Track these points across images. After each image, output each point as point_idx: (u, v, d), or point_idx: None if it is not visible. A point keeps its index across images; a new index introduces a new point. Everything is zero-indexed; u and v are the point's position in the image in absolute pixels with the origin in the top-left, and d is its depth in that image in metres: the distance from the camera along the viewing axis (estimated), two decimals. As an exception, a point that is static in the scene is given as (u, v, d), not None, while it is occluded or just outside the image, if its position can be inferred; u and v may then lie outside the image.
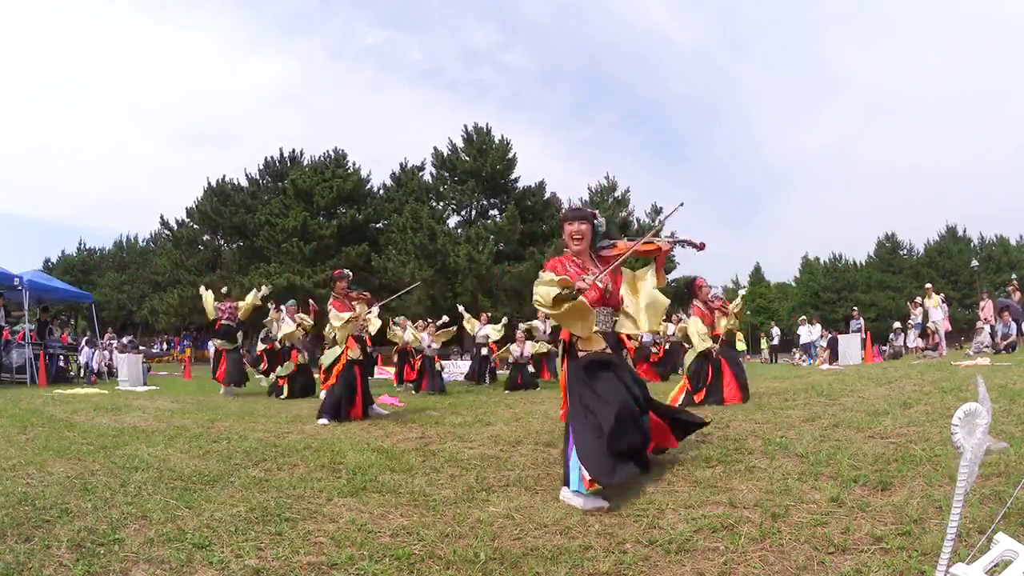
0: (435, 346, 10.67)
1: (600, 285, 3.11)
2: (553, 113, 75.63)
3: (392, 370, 12.80)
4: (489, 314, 13.62)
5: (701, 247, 3.61)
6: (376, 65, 76.63)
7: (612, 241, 3.37)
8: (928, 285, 16.08)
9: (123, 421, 5.83)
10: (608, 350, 3.14)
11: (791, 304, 42.02)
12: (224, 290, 11.17)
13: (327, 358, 6.52)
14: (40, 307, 14.05)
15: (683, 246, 3.65)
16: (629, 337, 3.37)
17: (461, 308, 12.66)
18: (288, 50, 75.87)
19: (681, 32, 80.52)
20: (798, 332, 21.85)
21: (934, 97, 68.70)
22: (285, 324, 9.78)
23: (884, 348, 19.98)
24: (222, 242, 34.17)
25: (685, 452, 3.70)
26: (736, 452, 3.58)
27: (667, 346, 12.71)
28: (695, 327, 6.67)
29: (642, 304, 3.30)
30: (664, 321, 12.62)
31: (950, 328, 14.92)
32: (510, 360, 11.25)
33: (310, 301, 10.30)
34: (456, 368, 15.65)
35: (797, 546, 2.10)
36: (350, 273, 6.79)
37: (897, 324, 19.82)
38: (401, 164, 33.05)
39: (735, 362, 6.70)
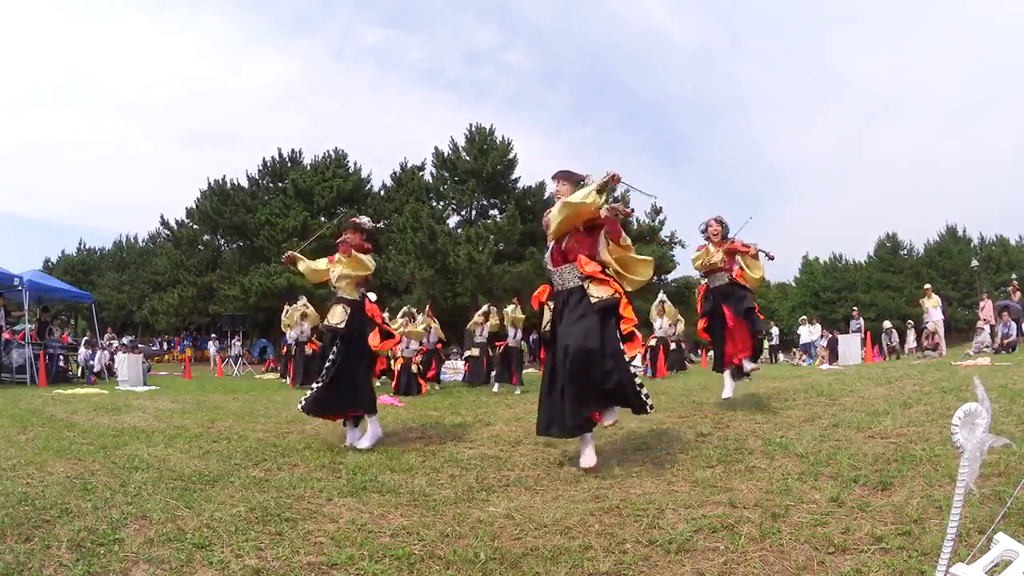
0: (413, 346, 10.70)
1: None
2: (554, 113, 75.45)
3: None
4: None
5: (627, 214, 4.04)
6: (377, 65, 76.42)
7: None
8: (927, 285, 16.10)
9: (123, 421, 5.83)
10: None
11: (791, 304, 41.94)
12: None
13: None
14: (40, 307, 14.04)
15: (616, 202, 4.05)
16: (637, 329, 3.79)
17: (489, 308, 12.59)
18: (289, 50, 75.62)
19: (681, 32, 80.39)
20: (798, 332, 21.83)
21: (934, 97, 68.51)
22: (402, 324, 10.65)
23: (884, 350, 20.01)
24: (222, 242, 34.15)
25: (685, 452, 3.71)
26: (736, 452, 3.58)
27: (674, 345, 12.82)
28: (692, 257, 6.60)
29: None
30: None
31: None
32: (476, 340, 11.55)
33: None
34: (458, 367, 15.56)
35: (797, 546, 2.10)
36: (367, 220, 5.13)
37: (887, 324, 19.82)
38: (401, 164, 33.04)
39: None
